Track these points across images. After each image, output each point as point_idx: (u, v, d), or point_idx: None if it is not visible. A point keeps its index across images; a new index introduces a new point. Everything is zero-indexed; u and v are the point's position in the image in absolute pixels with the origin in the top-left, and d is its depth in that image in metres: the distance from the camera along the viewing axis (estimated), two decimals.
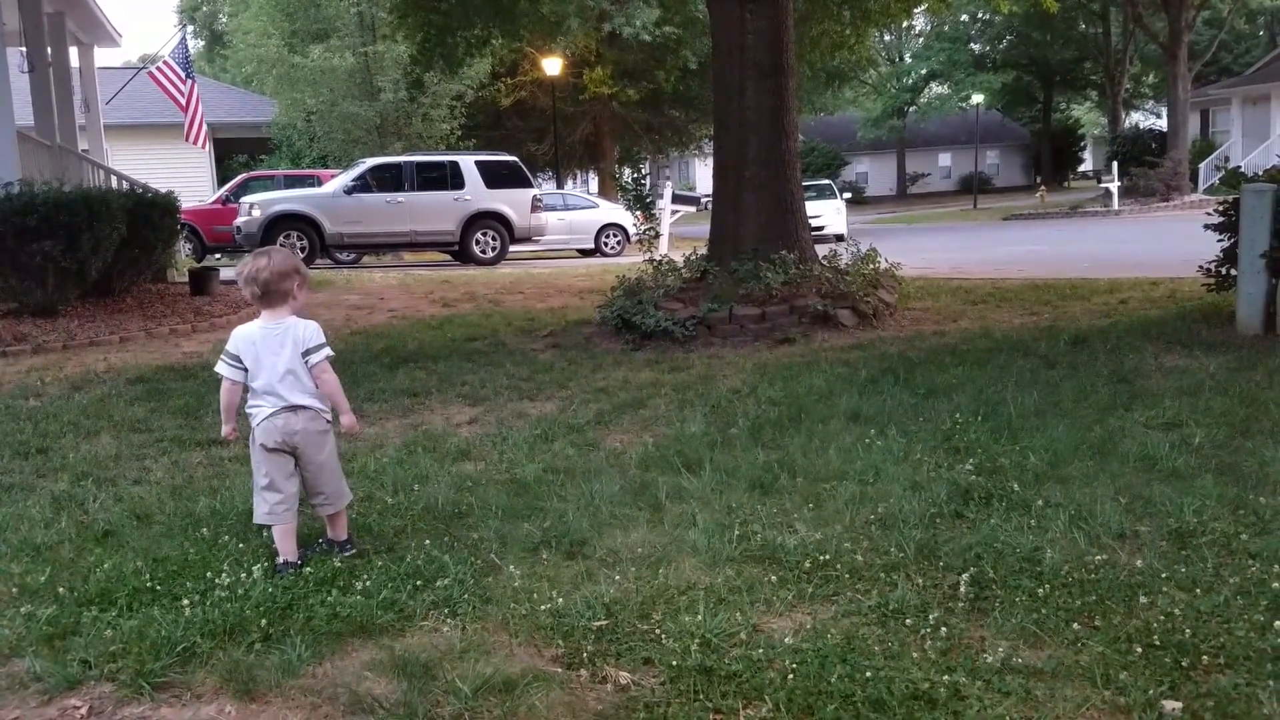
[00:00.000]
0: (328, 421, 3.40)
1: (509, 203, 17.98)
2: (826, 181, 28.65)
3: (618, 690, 2.45)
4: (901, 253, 10.28)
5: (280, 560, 3.26)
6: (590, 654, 2.62)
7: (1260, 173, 7.73)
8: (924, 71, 49.54)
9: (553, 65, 25.26)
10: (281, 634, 2.77)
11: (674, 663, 2.52)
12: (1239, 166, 10.03)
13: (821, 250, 9.49)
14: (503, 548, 3.40)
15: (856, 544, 3.29)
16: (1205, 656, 2.42)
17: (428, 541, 3.43)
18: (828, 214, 22.77)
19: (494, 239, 18.02)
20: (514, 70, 27.55)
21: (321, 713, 2.42)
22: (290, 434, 3.29)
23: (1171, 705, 2.22)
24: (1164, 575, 2.91)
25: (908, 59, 53.11)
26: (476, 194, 17.88)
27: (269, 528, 3.35)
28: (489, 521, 3.67)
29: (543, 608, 2.88)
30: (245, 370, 3.30)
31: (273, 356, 3.29)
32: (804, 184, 10.35)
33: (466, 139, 25.98)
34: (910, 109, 50.03)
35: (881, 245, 9.54)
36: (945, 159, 55.90)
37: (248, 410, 3.35)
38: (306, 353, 3.32)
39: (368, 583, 3.06)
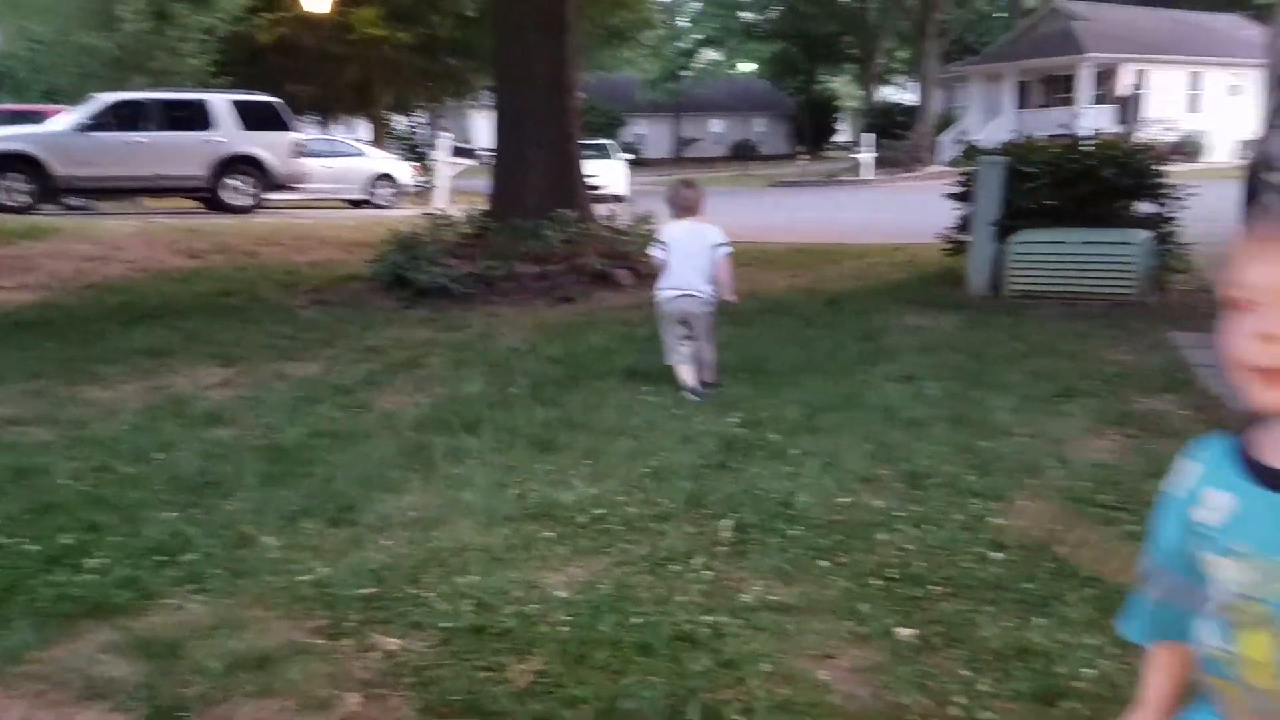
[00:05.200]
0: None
1: (267, 146, 16.87)
2: (606, 141, 28.79)
3: (385, 657, 2.39)
4: None
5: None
6: (356, 623, 2.54)
7: (995, 147, 8.51)
8: (698, 37, 50.70)
9: (316, 1, 23.79)
10: (2, 620, 2.50)
11: (445, 625, 2.49)
12: (976, 141, 10.97)
13: (601, 210, 9.56)
14: (259, 517, 3.22)
15: (631, 497, 3.37)
16: (934, 586, 2.65)
17: (173, 514, 3.21)
18: (607, 174, 22.91)
19: (250, 185, 16.88)
20: (273, 4, 25.76)
21: (48, 699, 2.20)
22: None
23: (906, 632, 2.43)
24: (900, 514, 3.17)
25: (683, 23, 54.17)
26: (230, 136, 16.65)
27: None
28: (244, 490, 3.47)
29: (303, 578, 2.76)
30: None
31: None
32: (584, 143, 10.36)
33: (221, 77, 24.13)
34: (685, 73, 51.13)
35: (658, 208, 9.72)
36: (718, 125, 57.58)
37: None
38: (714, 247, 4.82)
39: (101, 560, 2.81)
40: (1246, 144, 21.25)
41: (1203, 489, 1.03)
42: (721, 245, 4.85)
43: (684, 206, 5.00)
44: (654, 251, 5.04)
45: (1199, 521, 1.02)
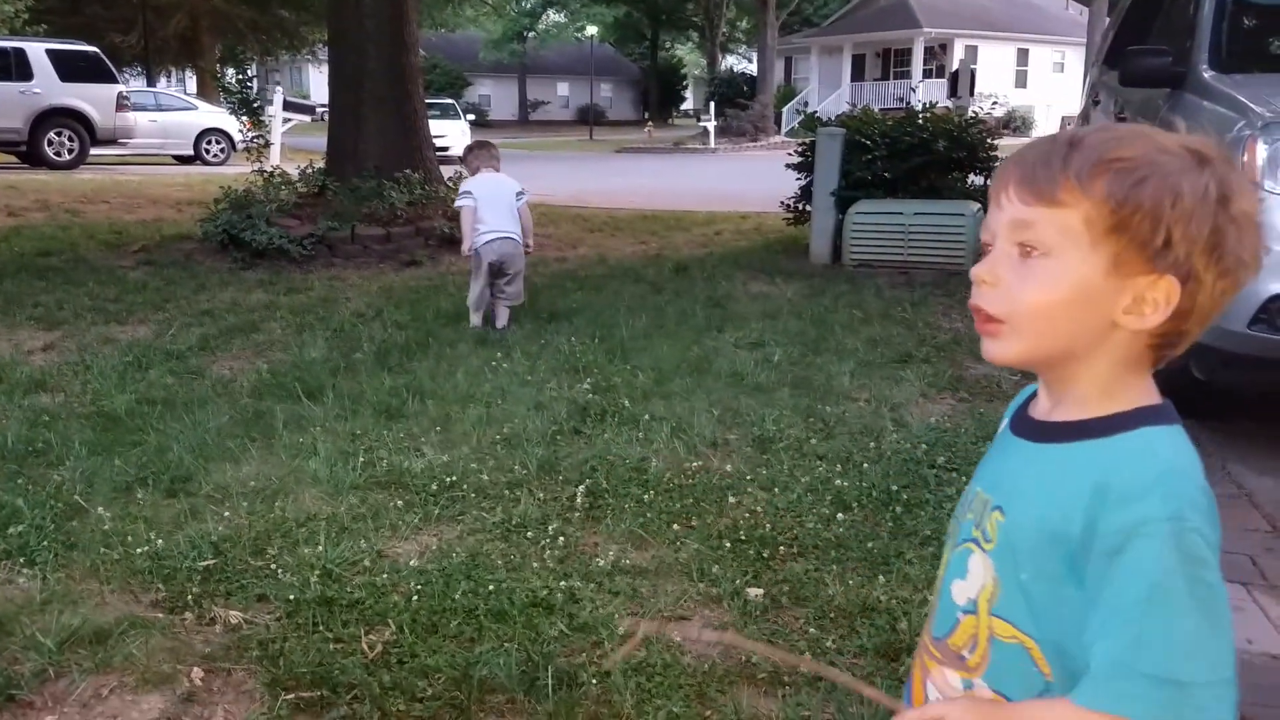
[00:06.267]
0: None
1: (89, 99, 15.76)
2: (450, 101, 28.07)
3: (228, 630, 2.32)
4: (524, 179, 10.35)
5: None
6: (196, 596, 2.45)
7: (833, 118, 8.80)
8: None
9: None
10: None
11: (291, 597, 2.43)
12: (815, 112, 11.31)
13: (446, 172, 9.36)
14: (89, 488, 3.05)
15: (483, 464, 3.36)
16: (782, 547, 2.77)
17: None
18: (452, 134, 22.40)
19: (71, 139, 15.73)
20: None
21: None
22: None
23: (754, 592, 2.53)
24: (749, 477, 3.28)
25: None
26: (48, 87, 15.47)
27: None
28: (73, 460, 3.27)
29: (139, 550, 2.64)
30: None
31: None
32: (427, 102, 10.08)
33: (35, 24, 22.18)
34: (529, 34, 50.30)
35: (506, 172, 9.58)
36: (564, 88, 57.06)
37: None
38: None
39: None
40: (1069, 119, 22.78)
41: (1003, 424, 1.07)
42: (523, 194, 5.40)
43: (484, 162, 5.47)
44: (462, 201, 5.30)
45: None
